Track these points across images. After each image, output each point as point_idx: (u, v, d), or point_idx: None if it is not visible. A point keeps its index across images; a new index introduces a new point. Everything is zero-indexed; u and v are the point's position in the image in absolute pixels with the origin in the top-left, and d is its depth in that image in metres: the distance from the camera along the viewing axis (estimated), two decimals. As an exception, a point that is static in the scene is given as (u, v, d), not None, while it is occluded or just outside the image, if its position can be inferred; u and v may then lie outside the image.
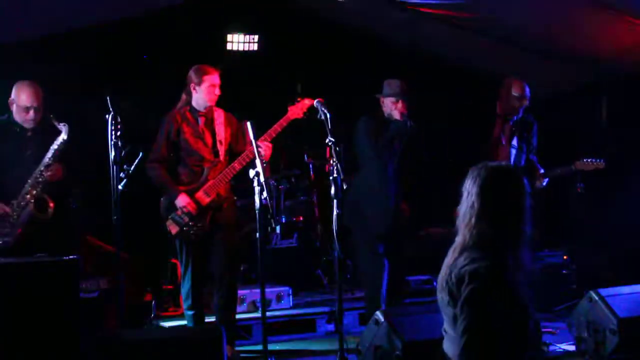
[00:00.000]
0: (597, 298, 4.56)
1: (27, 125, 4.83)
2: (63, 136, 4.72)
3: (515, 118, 5.70)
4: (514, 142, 5.74)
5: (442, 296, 2.79)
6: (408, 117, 5.32)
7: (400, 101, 5.34)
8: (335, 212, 4.38)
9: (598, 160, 5.71)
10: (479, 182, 2.77)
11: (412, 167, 5.51)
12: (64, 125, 4.74)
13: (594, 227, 6.84)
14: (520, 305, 2.68)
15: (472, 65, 7.23)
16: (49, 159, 4.73)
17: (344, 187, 4.44)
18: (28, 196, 4.70)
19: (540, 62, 6.72)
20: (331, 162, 4.43)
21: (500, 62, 6.98)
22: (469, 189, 2.80)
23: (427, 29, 6.61)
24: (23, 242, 4.67)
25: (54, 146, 4.72)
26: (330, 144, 4.45)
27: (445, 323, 2.84)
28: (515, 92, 5.64)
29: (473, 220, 2.75)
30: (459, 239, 2.81)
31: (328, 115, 4.51)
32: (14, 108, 4.82)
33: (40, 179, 4.73)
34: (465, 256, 2.73)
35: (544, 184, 5.64)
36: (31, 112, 4.78)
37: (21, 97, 4.77)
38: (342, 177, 4.41)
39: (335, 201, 4.40)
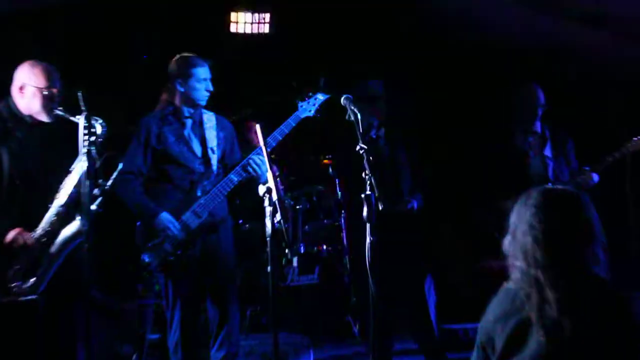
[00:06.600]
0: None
1: (44, 117, 4.06)
2: (97, 132, 3.72)
3: (538, 129, 5.43)
4: (548, 152, 5.46)
5: None
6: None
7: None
8: (368, 240, 3.64)
9: None
10: (542, 211, 2.53)
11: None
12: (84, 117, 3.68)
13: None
14: None
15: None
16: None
17: (379, 208, 3.70)
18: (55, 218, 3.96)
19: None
20: (363, 175, 3.70)
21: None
22: (528, 218, 2.54)
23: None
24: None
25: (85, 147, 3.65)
26: (362, 152, 3.76)
27: None
28: (527, 98, 5.45)
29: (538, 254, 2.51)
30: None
31: (359, 116, 3.88)
32: (24, 95, 4.06)
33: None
34: None
35: (595, 180, 5.27)
36: (56, 96, 4.05)
37: (39, 78, 4.04)
38: (376, 194, 3.68)
39: (368, 225, 3.64)
